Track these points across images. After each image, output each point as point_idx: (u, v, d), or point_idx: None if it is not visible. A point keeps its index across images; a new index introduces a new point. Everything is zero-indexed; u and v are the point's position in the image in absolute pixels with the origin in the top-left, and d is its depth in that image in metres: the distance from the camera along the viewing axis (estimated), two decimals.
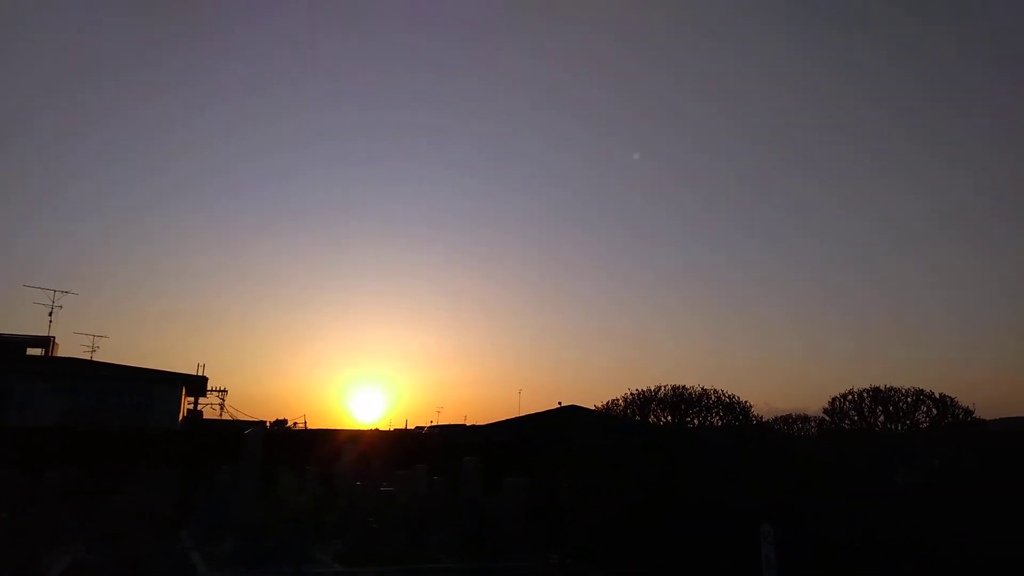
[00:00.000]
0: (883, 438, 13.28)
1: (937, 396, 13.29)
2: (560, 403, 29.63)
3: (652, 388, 14.63)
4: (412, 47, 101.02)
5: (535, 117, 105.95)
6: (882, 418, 13.34)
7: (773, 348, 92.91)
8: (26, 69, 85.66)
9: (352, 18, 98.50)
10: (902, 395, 13.32)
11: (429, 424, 43.81)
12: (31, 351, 33.68)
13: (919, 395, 13.32)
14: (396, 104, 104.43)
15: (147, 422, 26.73)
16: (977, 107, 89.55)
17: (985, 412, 15.42)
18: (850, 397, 13.71)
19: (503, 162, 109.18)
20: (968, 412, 13.31)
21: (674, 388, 14.45)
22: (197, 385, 34.12)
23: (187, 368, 35.53)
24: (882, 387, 13.48)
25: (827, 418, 14.03)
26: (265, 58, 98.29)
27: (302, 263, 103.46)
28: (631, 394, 14.91)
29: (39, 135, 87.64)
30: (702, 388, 14.41)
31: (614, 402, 15.21)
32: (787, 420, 14.98)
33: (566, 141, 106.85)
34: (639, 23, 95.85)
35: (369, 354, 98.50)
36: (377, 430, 32.63)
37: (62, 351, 35.47)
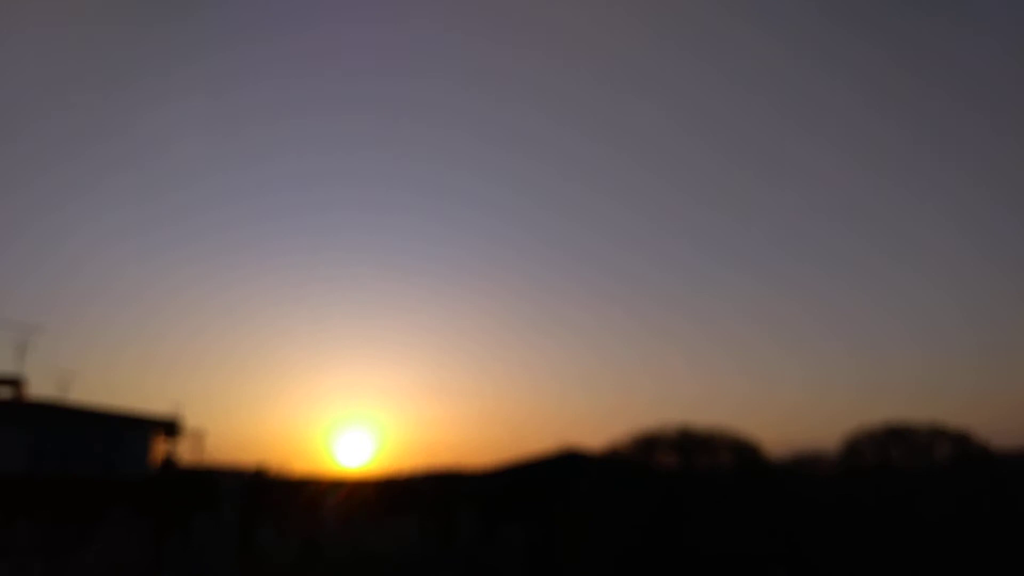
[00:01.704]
0: (900, 477, 12.77)
1: (954, 432, 12.86)
2: (558, 445, 28.83)
3: (657, 429, 14.05)
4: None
5: (528, 142, 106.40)
6: (899, 455, 12.86)
7: (787, 381, 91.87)
8: None
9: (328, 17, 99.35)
10: (918, 432, 12.88)
11: (419, 468, 42.60)
12: None
13: (935, 431, 12.88)
14: (378, 144, 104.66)
15: (120, 467, 25.60)
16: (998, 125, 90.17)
17: (1010, 441, 14.99)
18: (865, 435, 13.24)
19: (497, 190, 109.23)
20: (985, 448, 12.89)
21: (680, 429, 13.88)
22: (173, 428, 32.98)
23: (164, 409, 34.39)
24: (898, 424, 13.05)
25: (842, 457, 13.52)
26: (244, 88, 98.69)
27: (284, 301, 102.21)
28: (634, 437, 14.31)
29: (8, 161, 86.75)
30: (709, 429, 13.86)
31: (616, 445, 14.58)
32: (800, 460, 14.45)
33: (563, 167, 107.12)
34: (631, 40, 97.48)
35: (356, 394, 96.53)
36: (364, 476, 31.52)
37: (33, 389, 34.23)
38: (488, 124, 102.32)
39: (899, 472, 12.74)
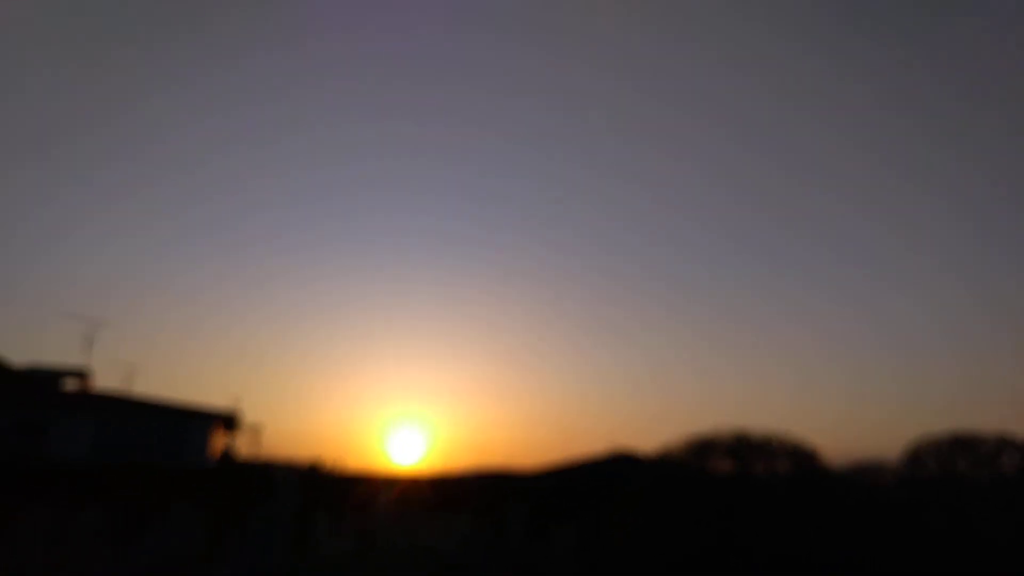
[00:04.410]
0: (964, 487, 12.36)
1: (1021, 442, 12.38)
2: (611, 447, 28.73)
3: (712, 434, 13.84)
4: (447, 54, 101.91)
5: (578, 142, 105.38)
6: (964, 466, 12.42)
7: (848, 388, 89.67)
8: (53, 94, 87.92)
9: (358, 22, 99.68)
10: (985, 441, 12.43)
11: (470, 467, 42.88)
12: (67, 382, 33.66)
13: (1002, 440, 12.41)
14: (425, 123, 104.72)
15: (181, 458, 26.29)
16: None
17: None
18: (929, 444, 12.83)
19: (545, 191, 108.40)
20: None
21: (735, 434, 13.65)
22: (232, 421, 33.77)
23: (224, 403, 35.26)
24: (963, 433, 12.61)
25: (904, 467, 13.13)
26: (292, 97, 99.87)
27: (341, 299, 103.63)
28: (689, 440, 14.13)
29: (72, 165, 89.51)
30: (765, 434, 13.60)
31: (670, 448, 14.41)
32: (860, 468, 14.07)
33: (614, 166, 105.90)
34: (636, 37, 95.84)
35: (408, 393, 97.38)
36: (416, 473, 31.88)
37: (98, 381, 35.44)
38: (537, 127, 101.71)
39: (964, 482, 12.32)
